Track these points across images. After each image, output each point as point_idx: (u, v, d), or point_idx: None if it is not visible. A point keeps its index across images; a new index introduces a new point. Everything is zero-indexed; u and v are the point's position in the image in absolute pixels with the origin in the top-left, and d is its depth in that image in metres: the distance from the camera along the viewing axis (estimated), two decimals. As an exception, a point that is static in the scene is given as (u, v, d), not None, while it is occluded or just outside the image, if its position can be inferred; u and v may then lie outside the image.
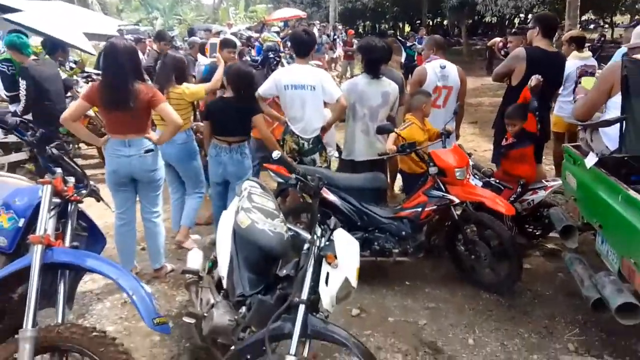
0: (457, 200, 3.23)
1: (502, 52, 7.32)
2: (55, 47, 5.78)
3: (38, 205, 1.91)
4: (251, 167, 3.72)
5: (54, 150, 2.11)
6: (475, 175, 3.70)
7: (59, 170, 2.07)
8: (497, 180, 3.68)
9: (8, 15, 6.13)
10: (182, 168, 3.91)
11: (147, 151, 3.10)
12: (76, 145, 6.10)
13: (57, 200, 1.97)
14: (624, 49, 3.63)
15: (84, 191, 2.16)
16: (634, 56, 2.63)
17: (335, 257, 1.82)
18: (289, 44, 9.03)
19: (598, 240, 2.81)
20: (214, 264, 2.66)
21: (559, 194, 4.11)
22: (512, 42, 5.39)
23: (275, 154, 2.68)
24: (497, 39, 8.52)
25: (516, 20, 25.61)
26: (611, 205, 2.48)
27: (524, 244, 3.84)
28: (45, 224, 1.83)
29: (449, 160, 3.26)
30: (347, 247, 1.91)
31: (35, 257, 1.74)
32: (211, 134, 3.56)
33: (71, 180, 2.13)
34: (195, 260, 2.68)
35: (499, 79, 4.17)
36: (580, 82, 4.00)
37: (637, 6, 15.57)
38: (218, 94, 4.18)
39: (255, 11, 34.53)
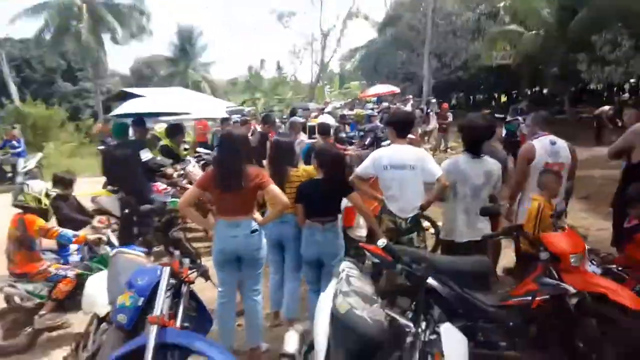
0: (572, 290, 2.91)
1: (614, 122, 6.82)
2: (172, 131, 6.57)
3: (156, 285, 2.07)
4: (344, 245, 3.73)
5: (175, 234, 2.31)
6: (593, 262, 3.35)
7: (177, 252, 2.25)
8: (620, 268, 3.29)
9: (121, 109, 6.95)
10: (292, 246, 3.94)
11: (253, 231, 3.30)
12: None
13: (173, 281, 2.13)
14: None
15: (196, 272, 2.31)
16: None
17: (443, 355, 1.71)
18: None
19: None
20: (310, 348, 2.62)
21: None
22: (626, 114, 5.03)
23: (381, 242, 2.66)
24: (606, 108, 7.99)
25: (626, 87, 23.96)
26: None
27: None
28: (162, 304, 1.97)
29: (563, 244, 3.00)
30: (455, 346, 1.79)
31: (151, 337, 1.86)
32: (305, 215, 3.63)
33: (186, 261, 2.30)
34: (292, 342, 2.67)
35: (617, 157, 3.90)
36: None
37: None
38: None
39: (349, 87, 36.38)
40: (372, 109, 15.15)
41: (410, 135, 10.56)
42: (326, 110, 12.27)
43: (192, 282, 2.29)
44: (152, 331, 1.88)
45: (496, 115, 11.00)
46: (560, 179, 3.76)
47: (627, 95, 23.43)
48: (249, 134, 8.43)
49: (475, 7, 24.67)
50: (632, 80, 19.62)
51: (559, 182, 3.64)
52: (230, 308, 3.47)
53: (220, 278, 3.45)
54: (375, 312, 2.18)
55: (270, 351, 3.52)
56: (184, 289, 2.22)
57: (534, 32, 19.33)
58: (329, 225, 3.56)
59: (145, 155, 5.30)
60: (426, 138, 15.08)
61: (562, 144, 3.89)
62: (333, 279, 2.63)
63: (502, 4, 20.13)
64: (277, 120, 14.42)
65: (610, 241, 4.00)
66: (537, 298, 2.99)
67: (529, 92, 28.85)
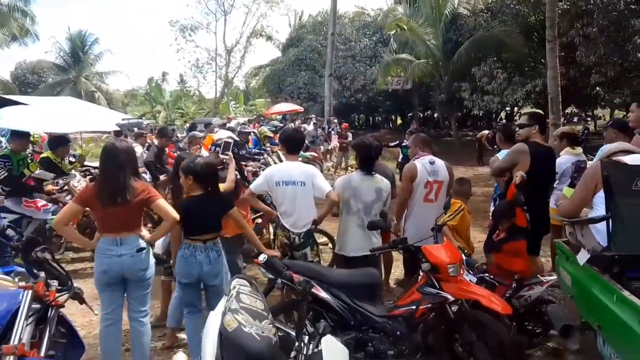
0: (451, 298, 3.15)
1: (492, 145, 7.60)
2: (54, 143, 6.01)
3: (17, 311, 1.85)
4: (226, 264, 3.53)
5: (39, 254, 2.09)
6: (469, 271, 3.65)
7: (42, 274, 2.03)
8: (492, 276, 3.62)
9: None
10: None
11: (139, 250, 3.09)
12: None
13: (37, 305, 1.92)
14: (605, 147, 3.81)
15: (66, 295, 2.10)
16: (614, 158, 2.74)
17: (323, 367, 1.74)
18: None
19: (599, 341, 2.71)
20: (199, 369, 2.51)
21: (557, 288, 4.03)
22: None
23: (262, 257, 2.67)
24: (485, 132, 8.88)
25: (502, 114, 26.93)
26: (607, 305, 2.43)
27: (525, 343, 3.68)
28: (22, 332, 1.76)
29: (442, 256, 3.23)
30: (336, 357, 1.82)
31: (5, 371, 1.65)
32: (184, 234, 3.36)
33: (54, 283, 2.09)
34: (179, 365, 2.54)
35: (500, 174, 4.26)
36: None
37: (615, 101, 16.51)
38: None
39: (254, 105, 36.36)
40: (276, 126, 15.27)
41: (312, 153, 10.82)
42: (228, 125, 12.08)
43: (62, 306, 2.07)
44: (8, 363, 1.67)
45: (390, 144, 11.75)
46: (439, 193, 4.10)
47: (503, 121, 26.30)
48: (145, 148, 8.04)
49: (371, 35, 26.26)
50: (507, 108, 22.12)
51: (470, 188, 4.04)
52: (115, 332, 3.20)
53: (103, 300, 3.19)
54: (265, 328, 2.15)
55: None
56: (51, 313, 2.00)
57: (423, 60, 21.02)
58: (210, 243, 3.36)
59: None
60: (328, 156, 15.54)
61: (440, 163, 4.22)
62: (223, 297, 2.57)
63: (392, 33, 21.60)
64: (178, 134, 13.98)
65: (483, 247, 4.40)
66: (421, 307, 3.19)
67: (421, 116, 31.11)
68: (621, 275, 2.59)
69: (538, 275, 3.73)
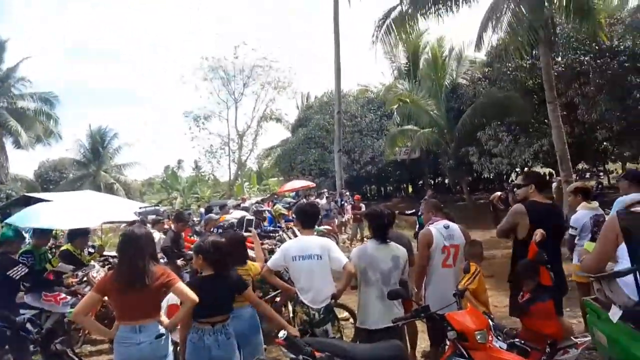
0: (483, 367, 2.98)
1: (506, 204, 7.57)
2: (74, 235, 6.13)
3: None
4: (236, 348, 3.40)
5: (58, 346, 2.07)
6: (498, 337, 3.48)
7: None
8: (523, 341, 3.45)
9: (20, 221, 6.38)
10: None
11: (158, 336, 3.04)
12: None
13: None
14: (620, 198, 3.78)
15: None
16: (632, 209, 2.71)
17: None
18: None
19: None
20: None
21: (594, 350, 3.80)
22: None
23: (282, 334, 2.61)
24: (498, 193, 8.88)
25: (513, 175, 26.99)
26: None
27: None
28: None
29: (467, 322, 3.10)
30: None
31: None
32: (192, 317, 3.24)
33: (72, 376, 2.05)
34: None
35: (504, 235, 4.24)
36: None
37: (625, 154, 16.54)
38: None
39: (267, 184, 37.02)
40: (289, 203, 15.44)
41: (327, 227, 10.84)
42: (242, 205, 12.28)
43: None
44: None
45: (406, 212, 11.83)
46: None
47: (514, 182, 26.28)
48: (163, 233, 8.13)
49: (376, 110, 27.28)
50: (517, 169, 22.22)
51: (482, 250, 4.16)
52: None
53: None
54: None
55: None
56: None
57: (428, 130, 21.59)
58: (219, 326, 3.25)
59: (19, 270, 4.77)
60: (342, 228, 15.50)
61: (454, 226, 4.21)
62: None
63: (395, 107, 22.43)
64: (194, 218, 14.17)
65: (509, 312, 4.23)
66: (451, 379, 3.02)
67: (432, 182, 31.26)
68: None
69: (572, 338, 3.54)
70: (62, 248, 6.54)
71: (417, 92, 22.61)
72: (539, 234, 3.64)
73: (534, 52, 14.27)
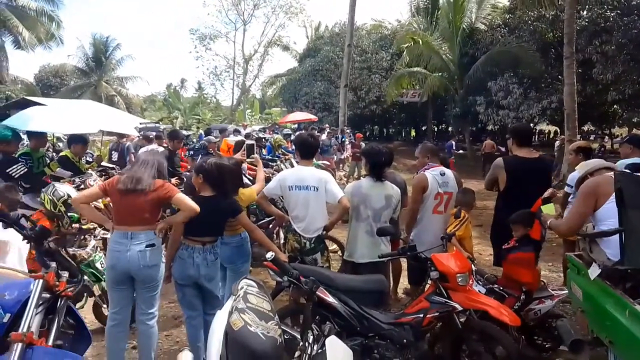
0: (459, 308, 3.11)
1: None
2: (72, 142, 6.15)
3: (27, 300, 1.88)
4: (219, 268, 3.48)
5: (51, 244, 2.13)
6: (479, 282, 3.62)
7: (53, 264, 2.07)
8: (501, 287, 3.59)
9: (17, 123, 6.39)
10: (234, 270, 3.80)
11: (149, 246, 3.10)
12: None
13: (47, 295, 1.95)
14: (620, 162, 3.79)
15: (75, 287, 2.13)
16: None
17: (327, 367, 1.73)
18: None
19: (610, 357, 2.65)
20: (203, 368, 2.52)
21: (567, 304, 3.96)
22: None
23: (269, 255, 2.67)
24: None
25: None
26: (619, 320, 2.38)
27: (533, 357, 3.62)
28: (31, 320, 1.79)
29: (451, 265, 3.21)
30: (339, 358, 1.82)
31: (13, 357, 1.67)
32: (183, 234, 3.28)
33: (65, 274, 2.12)
34: (184, 363, 2.55)
35: (489, 187, 4.39)
36: None
37: (633, 120, 16.29)
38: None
39: (270, 113, 36.66)
40: (289, 134, 15.37)
41: (325, 162, 10.83)
42: (244, 131, 12.21)
43: (70, 298, 2.10)
44: (16, 350, 1.69)
45: None
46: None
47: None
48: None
49: (388, 47, 26.38)
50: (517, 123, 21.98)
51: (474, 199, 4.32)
52: (120, 333, 3.21)
53: (111, 299, 3.21)
54: (270, 328, 2.15)
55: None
56: (61, 303, 2.03)
57: (437, 74, 21.02)
58: (209, 246, 3.32)
59: (18, 168, 4.85)
60: (341, 165, 15.55)
61: (450, 174, 4.22)
62: (231, 297, 2.58)
63: (406, 46, 21.65)
64: (193, 139, 14.15)
65: (493, 261, 4.37)
66: (428, 315, 3.16)
67: (435, 129, 31.02)
68: (634, 290, 2.55)
69: (549, 289, 3.68)
70: (61, 154, 6.56)
71: (432, 32, 21.74)
72: (549, 191, 3.64)
73: (559, 1, 13.59)
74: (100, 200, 3.74)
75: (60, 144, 10.68)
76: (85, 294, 3.88)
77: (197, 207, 3.09)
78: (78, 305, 3.85)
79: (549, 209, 3.39)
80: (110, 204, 3.68)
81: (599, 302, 2.65)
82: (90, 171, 6.59)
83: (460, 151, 23.08)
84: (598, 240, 2.78)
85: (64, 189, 3.79)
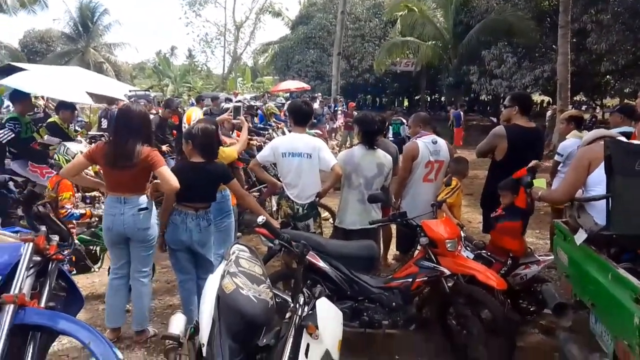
0: (447, 272, 3.18)
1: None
2: (60, 108, 6.04)
3: (17, 263, 1.88)
4: (212, 233, 3.49)
5: (40, 208, 2.12)
6: (467, 247, 3.68)
7: (43, 228, 2.07)
8: (489, 253, 3.65)
9: (6, 81, 6.32)
10: (217, 226, 3.80)
11: (141, 209, 3.16)
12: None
13: (37, 258, 1.95)
14: (612, 131, 3.79)
15: (66, 250, 2.14)
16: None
17: (317, 327, 1.77)
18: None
19: (591, 319, 2.73)
20: (196, 330, 2.56)
21: (553, 269, 4.05)
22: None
23: (260, 219, 2.69)
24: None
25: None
26: (602, 283, 2.44)
27: (518, 320, 3.73)
28: (22, 282, 1.80)
29: (440, 231, 3.26)
30: (329, 318, 1.86)
31: (5, 318, 1.68)
32: (175, 199, 3.26)
33: (55, 238, 2.12)
34: (177, 325, 2.57)
35: (483, 155, 4.29)
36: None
37: (625, 90, 16.30)
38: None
39: (262, 82, 36.16)
40: (283, 103, 15.21)
41: (317, 131, 10.75)
42: (235, 99, 12.04)
43: (62, 261, 2.12)
44: (8, 311, 1.70)
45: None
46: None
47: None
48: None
49: (381, 15, 25.89)
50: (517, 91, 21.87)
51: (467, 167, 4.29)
52: (123, 285, 3.35)
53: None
54: (262, 291, 2.18)
55: (157, 335, 3.41)
56: (51, 266, 2.04)
57: (431, 43, 20.71)
58: (202, 212, 3.33)
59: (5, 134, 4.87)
60: (333, 135, 15.50)
61: (442, 142, 4.22)
62: (223, 261, 2.60)
63: (400, 14, 21.24)
64: (185, 108, 13.96)
65: (482, 229, 4.43)
66: (417, 280, 3.23)
67: (428, 99, 30.85)
68: (618, 255, 2.61)
69: (535, 255, 3.75)
70: (50, 120, 6.45)
71: (426, 0, 21.32)
72: (533, 162, 3.66)
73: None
74: (90, 167, 3.72)
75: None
76: (101, 255, 4.03)
77: (176, 184, 3.06)
78: (96, 266, 4.01)
79: (540, 183, 3.42)
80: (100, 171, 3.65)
81: (583, 267, 2.71)
82: (79, 138, 6.51)
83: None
84: (586, 205, 2.82)
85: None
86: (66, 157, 3.77)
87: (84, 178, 3.40)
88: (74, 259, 3.61)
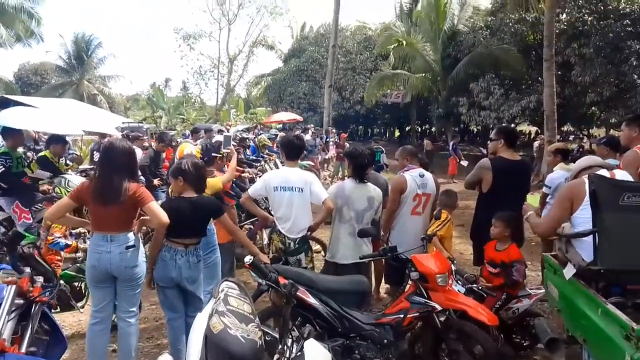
0: (439, 308, 3.16)
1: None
2: (51, 142, 6.04)
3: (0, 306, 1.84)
4: (201, 270, 3.45)
5: (25, 249, 2.09)
6: (458, 281, 3.66)
7: (27, 269, 2.04)
8: (480, 287, 3.63)
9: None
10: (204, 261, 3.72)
11: (128, 247, 3.10)
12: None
13: (20, 301, 1.92)
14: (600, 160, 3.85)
15: (50, 292, 2.10)
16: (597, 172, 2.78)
17: (305, 369, 1.74)
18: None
19: (584, 355, 2.72)
20: (183, 371, 2.50)
21: (545, 302, 4.03)
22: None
23: (248, 259, 2.68)
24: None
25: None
26: (592, 319, 2.44)
27: (511, 355, 3.68)
28: (3, 327, 1.76)
29: (431, 265, 3.25)
30: None
31: (-14, 363, 1.64)
32: (165, 235, 3.21)
33: (39, 280, 2.09)
34: (163, 366, 2.53)
35: (471, 187, 4.35)
36: None
37: (611, 121, 16.65)
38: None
39: (255, 113, 36.43)
40: (276, 135, 15.33)
41: (309, 162, 10.83)
42: (225, 134, 12.11)
43: (45, 303, 2.07)
44: (-11, 357, 1.66)
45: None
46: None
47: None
48: (143, 150, 8.05)
49: (372, 48, 26.52)
50: (504, 124, 22.26)
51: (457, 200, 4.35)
52: (102, 331, 3.19)
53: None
54: (250, 331, 2.15)
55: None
56: (35, 309, 2.00)
57: (420, 75, 21.18)
58: (191, 248, 3.30)
59: None
60: (325, 165, 15.58)
61: (429, 175, 4.26)
62: (211, 299, 2.57)
63: (392, 47, 21.79)
64: (178, 139, 14.01)
65: (473, 261, 4.43)
66: (409, 315, 3.19)
67: (419, 129, 31.25)
68: (607, 289, 2.61)
69: (527, 288, 3.74)
70: (40, 154, 6.44)
71: (415, 34, 21.91)
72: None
73: (539, 5, 13.86)
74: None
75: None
76: (86, 292, 3.91)
77: (166, 219, 3.05)
78: (80, 304, 3.88)
79: (532, 201, 3.45)
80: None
81: (573, 302, 2.71)
82: (70, 171, 6.48)
83: (442, 152, 23.31)
84: (573, 241, 2.84)
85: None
86: (67, 190, 3.72)
87: (68, 220, 3.33)
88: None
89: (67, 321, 4.12)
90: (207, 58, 32.62)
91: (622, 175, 2.83)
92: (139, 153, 7.43)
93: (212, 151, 4.47)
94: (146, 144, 8.81)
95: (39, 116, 6.77)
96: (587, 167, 3.01)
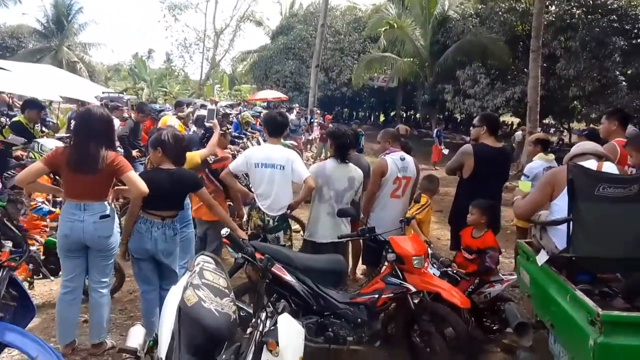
0: (413, 289, 3.20)
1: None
2: (26, 107, 5.85)
3: (-33, 270, 1.79)
4: (178, 243, 3.42)
5: (-5, 212, 2.03)
6: (434, 265, 3.71)
7: (-4, 234, 1.98)
8: (455, 271, 3.69)
9: None
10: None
11: (103, 217, 3.03)
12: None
13: (-13, 265, 1.86)
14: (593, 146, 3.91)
15: (19, 257, 2.05)
16: (579, 162, 2.81)
17: (278, 344, 1.74)
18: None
19: (550, 339, 2.79)
20: (155, 343, 2.48)
21: (517, 288, 4.13)
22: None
23: (224, 231, 2.66)
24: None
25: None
26: (560, 304, 2.50)
27: (481, 338, 3.77)
28: (-30, 290, 1.71)
29: (407, 247, 3.28)
30: (291, 334, 1.83)
31: (-51, 327, 1.60)
32: (142, 207, 3.17)
33: (8, 244, 2.03)
34: (135, 337, 2.49)
35: (452, 173, 4.38)
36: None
37: (591, 116, 16.93)
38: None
39: (239, 90, 35.99)
40: (260, 112, 15.18)
41: (293, 142, 10.79)
42: (209, 107, 11.93)
43: (14, 268, 2.02)
44: (-48, 321, 1.62)
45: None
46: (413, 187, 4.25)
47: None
48: (121, 121, 7.87)
49: (361, 30, 26.28)
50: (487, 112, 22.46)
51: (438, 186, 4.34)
52: (73, 300, 3.14)
53: (64, 267, 3.14)
54: (225, 305, 2.14)
55: (116, 348, 3.27)
56: (2, 274, 1.95)
57: (408, 60, 21.13)
58: (168, 221, 3.25)
59: None
60: (308, 146, 15.53)
61: (409, 159, 4.27)
62: (186, 272, 2.54)
63: (383, 29, 21.64)
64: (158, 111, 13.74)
65: (449, 246, 4.49)
66: (383, 296, 3.23)
67: (404, 115, 31.32)
68: (576, 276, 2.68)
69: (500, 274, 3.82)
70: (15, 119, 6.24)
71: (405, 18, 21.76)
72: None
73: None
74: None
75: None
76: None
77: (145, 189, 2.99)
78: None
79: (523, 186, 3.51)
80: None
81: (544, 288, 2.78)
82: (45, 138, 6.31)
83: (426, 138, 23.47)
84: (548, 228, 2.89)
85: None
86: (41, 154, 3.60)
87: (40, 186, 3.23)
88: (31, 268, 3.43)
89: (38, 290, 4.05)
90: (193, 30, 31.99)
91: (608, 167, 2.87)
92: (117, 124, 7.27)
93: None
94: (125, 115, 8.61)
95: (13, 78, 6.55)
96: (580, 153, 3.02)
